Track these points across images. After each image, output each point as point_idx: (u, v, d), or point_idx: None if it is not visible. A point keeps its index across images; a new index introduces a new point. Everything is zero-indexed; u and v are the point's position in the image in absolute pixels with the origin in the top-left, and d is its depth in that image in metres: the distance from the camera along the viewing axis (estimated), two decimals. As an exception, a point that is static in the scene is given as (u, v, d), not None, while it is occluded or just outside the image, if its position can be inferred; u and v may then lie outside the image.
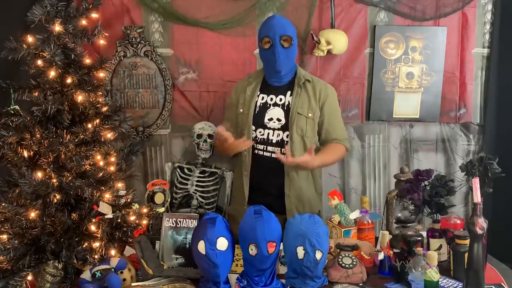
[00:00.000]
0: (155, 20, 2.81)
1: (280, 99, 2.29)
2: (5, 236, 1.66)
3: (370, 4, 2.87)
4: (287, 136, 2.24)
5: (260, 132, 2.28)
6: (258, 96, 2.31)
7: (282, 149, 2.22)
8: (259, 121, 2.28)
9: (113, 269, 1.73)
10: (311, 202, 2.34)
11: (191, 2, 2.78)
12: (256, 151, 2.28)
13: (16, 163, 1.72)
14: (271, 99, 2.30)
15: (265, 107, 2.29)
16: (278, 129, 2.26)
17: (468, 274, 1.62)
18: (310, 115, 2.25)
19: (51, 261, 1.69)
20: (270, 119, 2.27)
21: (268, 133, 2.27)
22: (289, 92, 2.29)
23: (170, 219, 2.00)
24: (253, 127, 2.28)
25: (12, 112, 1.75)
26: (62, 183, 1.71)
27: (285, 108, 2.27)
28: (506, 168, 2.09)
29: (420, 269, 1.65)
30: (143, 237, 1.91)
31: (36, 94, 1.76)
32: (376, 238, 2.11)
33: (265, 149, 2.27)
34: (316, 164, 2.21)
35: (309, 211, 2.30)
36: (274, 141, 2.26)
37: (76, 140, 1.76)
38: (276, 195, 2.27)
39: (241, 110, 2.31)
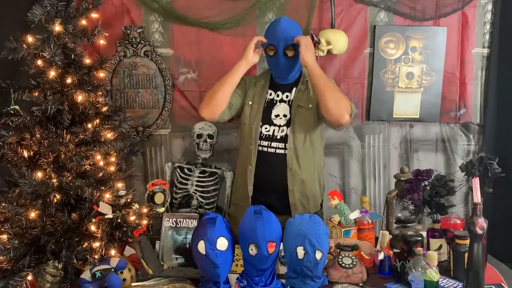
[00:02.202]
0: (155, 20, 2.81)
1: (287, 96, 2.31)
2: (5, 236, 1.66)
3: (370, 4, 2.87)
4: (290, 131, 2.25)
5: (265, 128, 2.29)
6: (267, 92, 2.33)
7: (286, 144, 2.24)
8: (266, 117, 2.29)
9: (113, 269, 1.73)
10: (315, 197, 2.34)
11: (191, 2, 2.78)
12: (260, 148, 2.28)
13: (16, 163, 1.72)
14: (278, 96, 2.32)
15: (272, 103, 2.31)
16: (283, 125, 2.27)
17: (468, 274, 1.62)
18: (310, 105, 2.26)
19: (51, 261, 1.69)
20: (277, 116, 2.29)
21: (274, 130, 2.27)
22: (294, 89, 2.31)
23: (170, 219, 2.01)
24: (260, 123, 2.29)
25: (12, 112, 1.75)
26: (62, 183, 1.71)
27: (290, 104, 2.29)
28: (506, 168, 2.09)
29: (420, 269, 1.65)
30: (143, 237, 1.91)
31: (36, 94, 1.76)
32: (376, 238, 2.12)
33: (269, 145, 2.27)
34: (310, 53, 2.18)
35: (313, 206, 2.32)
36: (278, 137, 2.27)
37: (76, 140, 1.76)
38: (279, 192, 2.27)
39: (251, 103, 2.32)
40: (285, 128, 2.27)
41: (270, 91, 2.34)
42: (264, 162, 2.27)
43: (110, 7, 2.73)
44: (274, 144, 2.27)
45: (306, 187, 2.29)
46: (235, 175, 2.51)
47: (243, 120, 2.35)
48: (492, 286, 1.73)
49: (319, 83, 2.15)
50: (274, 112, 2.29)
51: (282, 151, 2.26)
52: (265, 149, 2.28)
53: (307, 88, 2.30)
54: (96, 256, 1.69)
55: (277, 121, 2.28)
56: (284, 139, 2.26)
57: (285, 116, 2.28)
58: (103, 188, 1.80)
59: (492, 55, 2.95)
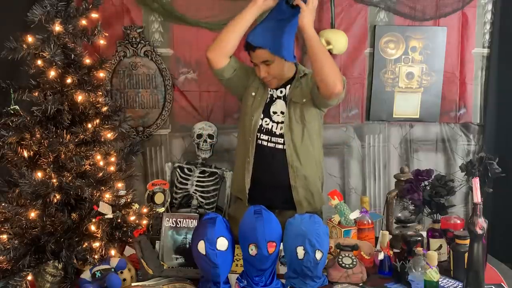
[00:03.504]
0: (155, 20, 2.81)
1: (281, 92, 2.31)
2: (5, 236, 1.65)
3: (370, 4, 2.87)
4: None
5: (266, 121, 2.29)
6: (269, 89, 2.32)
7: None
8: (266, 111, 2.29)
9: (113, 269, 1.73)
10: (320, 192, 2.35)
11: (191, 2, 2.78)
12: (259, 141, 2.28)
13: (16, 163, 1.72)
14: (274, 92, 2.32)
15: (271, 99, 2.31)
16: (282, 122, 2.26)
17: (468, 274, 1.62)
18: (304, 100, 2.25)
19: (51, 261, 1.69)
20: (275, 112, 2.28)
21: (273, 126, 2.28)
22: (289, 86, 2.31)
23: (170, 219, 2.00)
24: (262, 115, 2.29)
25: (12, 112, 1.75)
26: (62, 183, 1.70)
27: (287, 99, 2.29)
28: (506, 168, 2.09)
29: (420, 269, 1.65)
30: (143, 237, 1.91)
31: (36, 94, 1.76)
32: (376, 238, 2.12)
33: (269, 139, 2.27)
34: (309, 16, 2.12)
35: (319, 201, 2.32)
36: (278, 133, 2.27)
37: (76, 140, 1.76)
38: (278, 188, 2.26)
39: (254, 94, 2.31)
40: (283, 125, 2.27)
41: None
42: (264, 156, 2.27)
43: (110, 7, 2.73)
44: (274, 139, 2.27)
45: (310, 183, 2.28)
46: (235, 167, 2.50)
47: (244, 110, 2.35)
48: (492, 286, 1.73)
49: (317, 49, 2.13)
50: (272, 109, 2.29)
51: (281, 146, 2.26)
52: (264, 143, 2.28)
53: (300, 84, 2.30)
54: (96, 256, 1.69)
55: (275, 117, 2.28)
56: (283, 135, 2.26)
57: (282, 113, 2.27)
58: (103, 188, 1.80)
59: (492, 55, 2.96)
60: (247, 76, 2.35)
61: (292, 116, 2.25)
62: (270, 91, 2.33)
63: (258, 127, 2.28)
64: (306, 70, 2.36)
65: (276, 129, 2.27)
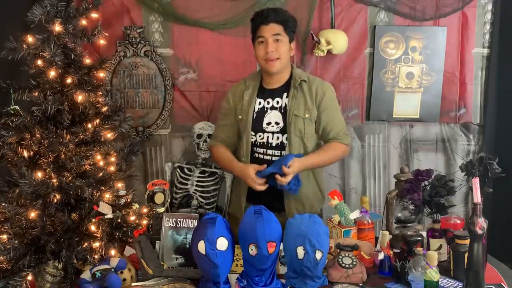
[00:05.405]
0: (155, 20, 2.81)
1: (277, 102, 2.28)
2: (5, 236, 1.66)
3: (370, 4, 2.88)
4: (286, 139, 2.24)
5: (260, 136, 2.27)
6: (256, 102, 2.30)
7: (283, 152, 2.23)
8: (258, 126, 2.27)
9: (113, 269, 1.73)
10: (312, 202, 2.34)
11: (191, 2, 2.78)
12: (256, 155, 2.28)
13: (16, 163, 1.72)
14: (268, 103, 2.28)
15: (262, 111, 2.28)
16: (277, 132, 2.25)
17: (468, 274, 1.62)
18: (307, 115, 2.23)
19: (51, 261, 1.69)
20: (269, 123, 2.26)
21: (268, 137, 2.26)
22: (285, 94, 2.27)
23: (170, 219, 2.00)
24: (253, 133, 2.27)
25: (12, 112, 1.75)
26: (62, 183, 1.70)
27: (282, 110, 2.26)
28: (506, 168, 2.09)
29: (420, 269, 1.65)
30: (143, 237, 1.91)
31: (36, 94, 1.76)
32: (376, 238, 2.11)
33: (265, 152, 2.27)
34: (304, 167, 2.20)
35: (309, 211, 2.31)
36: (274, 145, 2.25)
37: (76, 140, 1.76)
38: (275, 197, 2.25)
39: (240, 117, 2.30)
40: (280, 135, 2.25)
41: (259, 100, 2.29)
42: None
43: (110, 7, 2.73)
44: (270, 151, 2.26)
45: (301, 193, 2.27)
46: (235, 181, 2.51)
47: (239, 133, 2.34)
48: (492, 286, 1.72)
49: (322, 164, 2.34)
50: (265, 120, 2.27)
51: (277, 159, 2.24)
52: (261, 156, 2.27)
53: (301, 93, 2.25)
54: (96, 256, 1.69)
55: (269, 128, 2.26)
56: (280, 147, 2.24)
57: (277, 123, 2.25)
58: (103, 188, 1.80)
59: (492, 55, 2.96)
60: (233, 115, 2.33)
61: (292, 129, 2.22)
62: (257, 104, 2.28)
63: (254, 142, 2.27)
64: (303, 75, 2.31)
65: (272, 140, 2.26)
